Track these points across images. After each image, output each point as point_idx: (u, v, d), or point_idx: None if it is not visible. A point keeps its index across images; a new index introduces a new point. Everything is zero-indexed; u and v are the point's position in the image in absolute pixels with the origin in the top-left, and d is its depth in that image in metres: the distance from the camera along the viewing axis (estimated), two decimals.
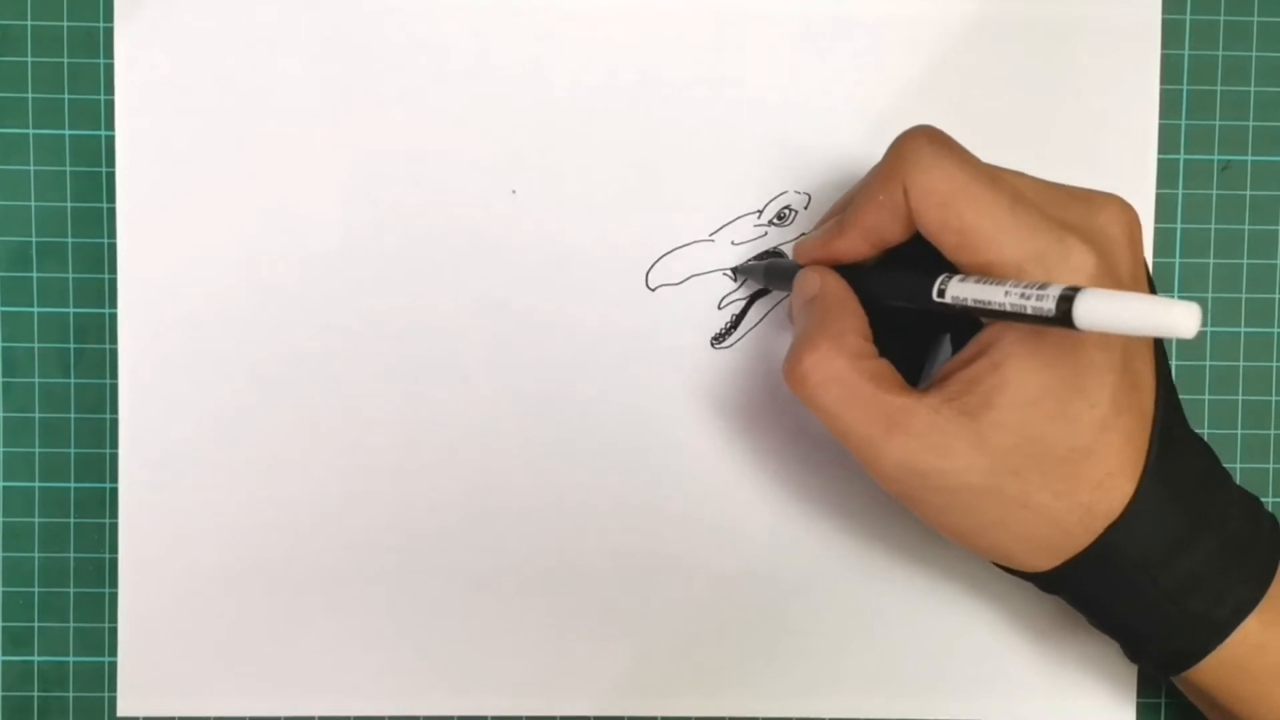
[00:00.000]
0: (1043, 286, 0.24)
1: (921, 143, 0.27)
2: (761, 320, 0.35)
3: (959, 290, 0.26)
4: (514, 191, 0.35)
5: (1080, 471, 0.27)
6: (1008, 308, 0.25)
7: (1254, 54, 0.36)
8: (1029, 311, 0.24)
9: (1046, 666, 0.36)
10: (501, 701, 0.36)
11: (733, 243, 0.35)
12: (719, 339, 0.35)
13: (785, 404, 0.35)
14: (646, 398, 0.35)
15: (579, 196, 0.35)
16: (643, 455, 0.35)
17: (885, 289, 0.29)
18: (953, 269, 0.27)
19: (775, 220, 0.35)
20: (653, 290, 0.35)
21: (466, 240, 0.35)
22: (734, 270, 0.35)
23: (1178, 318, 0.21)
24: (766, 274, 0.34)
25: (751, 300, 0.35)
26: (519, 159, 0.35)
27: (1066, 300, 0.23)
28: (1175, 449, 0.28)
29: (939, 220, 0.27)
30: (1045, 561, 0.28)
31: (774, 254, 0.35)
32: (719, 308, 0.35)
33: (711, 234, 0.35)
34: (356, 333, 0.35)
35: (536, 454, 0.35)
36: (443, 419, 0.35)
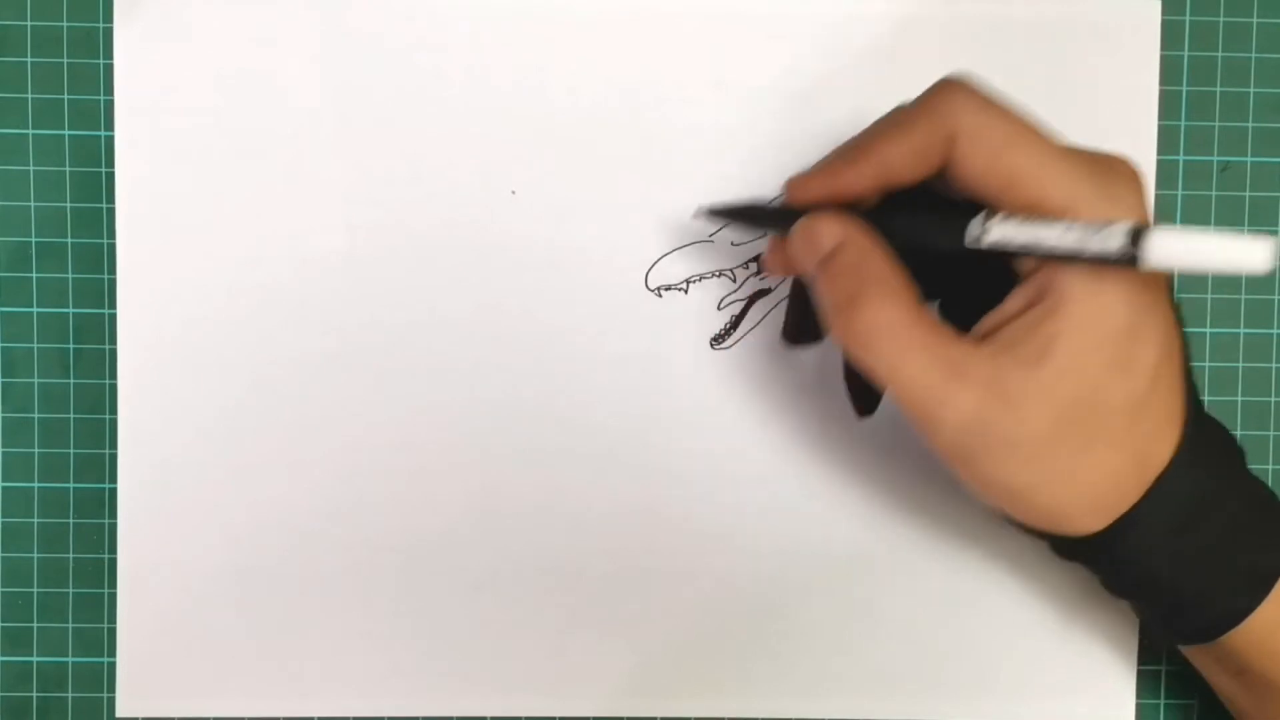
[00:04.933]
0: (1103, 225, 0.24)
1: (970, 90, 0.27)
2: (761, 321, 0.35)
3: (1005, 231, 0.25)
4: (513, 192, 0.35)
5: (1136, 420, 0.27)
6: (1063, 248, 0.24)
7: (1253, 55, 0.36)
8: (1090, 250, 0.23)
9: (1046, 666, 0.36)
10: (502, 702, 0.36)
11: (733, 243, 0.35)
12: (719, 340, 0.35)
13: (785, 404, 0.35)
14: (646, 398, 0.35)
15: (578, 197, 0.35)
16: (642, 456, 0.35)
17: (911, 233, 0.27)
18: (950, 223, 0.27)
19: None
20: (652, 291, 0.35)
21: (466, 241, 0.35)
22: (709, 211, 0.32)
23: (1253, 252, 0.21)
24: (748, 217, 0.32)
25: (751, 301, 0.35)
26: (518, 160, 0.35)
27: (1134, 237, 0.22)
28: (1197, 400, 0.28)
29: (988, 165, 0.26)
30: (1097, 521, 0.28)
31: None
32: (719, 308, 0.35)
33: (711, 234, 0.35)
34: (355, 333, 0.35)
35: (536, 455, 0.35)
36: (441, 418, 0.35)
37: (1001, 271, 0.28)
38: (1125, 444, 0.27)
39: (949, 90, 0.27)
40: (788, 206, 0.29)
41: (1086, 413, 0.26)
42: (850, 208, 0.28)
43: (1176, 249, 0.22)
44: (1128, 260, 0.23)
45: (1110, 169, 0.27)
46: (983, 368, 0.26)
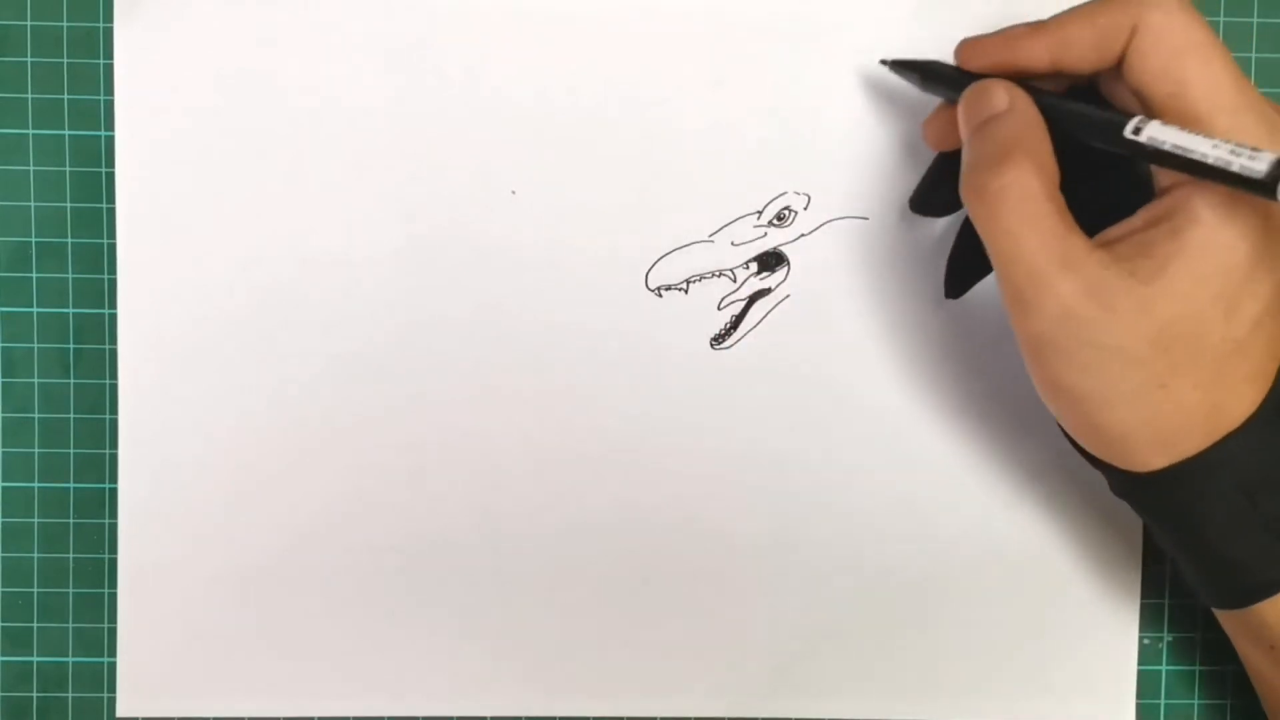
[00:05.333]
0: (1255, 149, 0.24)
1: None
2: (761, 321, 0.35)
3: (1160, 132, 0.25)
4: (513, 192, 0.35)
5: (1224, 367, 0.26)
6: (1210, 160, 0.24)
7: (1254, 55, 0.36)
8: (1235, 169, 0.24)
9: (1046, 666, 0.36)
10: (502, 701, 0.36)
11: (732, 243, 0.35)
12: (719, 340, 0.35)
13: (785, 404, 0.35)
14: (646, 399, 0.35)
15: (578, 197, 0.35)
16: (642, 456, 0.35)
17: (1068, 120, 0.28)
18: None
19: (775, 220, 0.35)
20: (652, 291, 0.35)
21: (466, 241, 0.35)
22: (888, 62, 0.33)
23: None
24: (924, 73, 0.32)
25: (751, 301, 0.35)
26: (518, 160, 0.35)
27: None
28: None
29: (1162, 66, 0.26)
30: (1157, 458, 0.27)
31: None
32: (719, 309, 0.35)
33: (711, 234, 0.35)
34: (356, 333, 0.35)
35: (535, 454, 0.35)
36: (440, 418, 0.35)
37: (1145, 184, 0.28)
38: (1206, 386, 0.26)
39: None
40: (960, 68, 0.30)
41: (1178, 343, 0.26)
42: (1031, 86, 0.28)
43: None
44: (1269, 188, 0.23)
45: None
46: (1094, 268, 0.26)
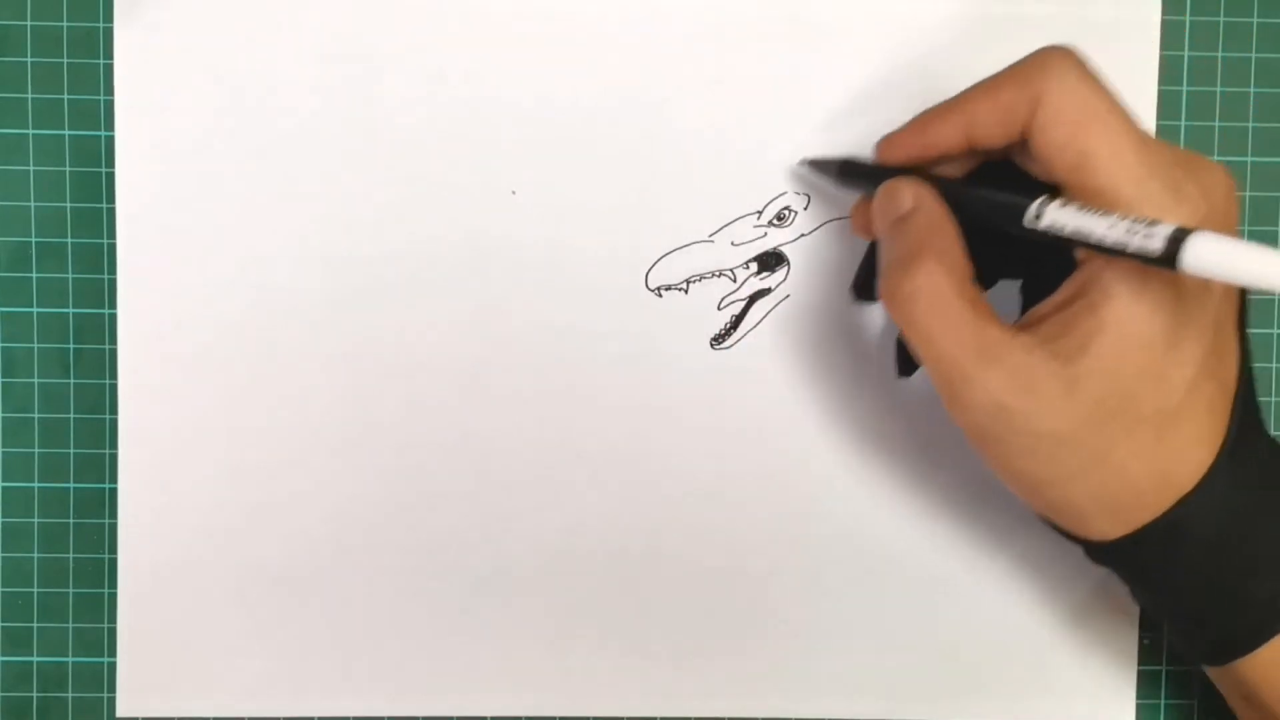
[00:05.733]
0: (1151, 224, 0.23)
1: (1069, 60, 0.27)
2: (761, 321, 0.35)
3: (1059, 216, 0.25)
4: (513, 192, 0.35)
5: (1163, 435, 0.26)
6: (1109, 242, 0.24)
7: (1254, 55, 0.36)
8: (1132, 248, 0.23)
9: (1046, 666, 0.36)
10: (501, 701, 0.36)
11: (732, 243, 0.35)
12: (719, 340, 0.35)
13: (785, 404, 0.35)
14: (646, 398, 0.35)
15: (579, 197, 0.35)
16: (642, 455, 0.35)
17: (977, 208, 0.28)
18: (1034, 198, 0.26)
19: (775, 221, 0.35)
20: (652, 291, 0.35)
21: (466, 240, 0.35)
22: (806, 162, 0.34)
23: None
24: (841, 171, 0.32)
25: (751, 301, 0.35)
26: (518, 160, 0.35)
27: (1177, 241, 0.22)
28: (1250, 428, 0.28)
29: (1063, 139, 0.26)
30: (1113, 529, 0.28)
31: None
32: (719, 308, 0.35)
33: (711, 234, 0.35)
34: (355, 333, 0.35)
35: (535, 454, 0.35)
36: (441, 418, 0.35)
37: (1071, 260, 0.28)
38: (1149, 456, 0.26)
39: (1046, 56, 0.27)
40: (879, 165, 0.30)
41: (1112, 417, 0.26)
42: (937, 177, 0.29)
43: (1214, 257, 0.22)
44: (1168, 262, 0.22)
45: (1192, 171, 0.26)
46: (1016, 356, 0.26)
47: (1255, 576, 0.27)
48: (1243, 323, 0.28)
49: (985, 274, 0.30)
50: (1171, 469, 0.27)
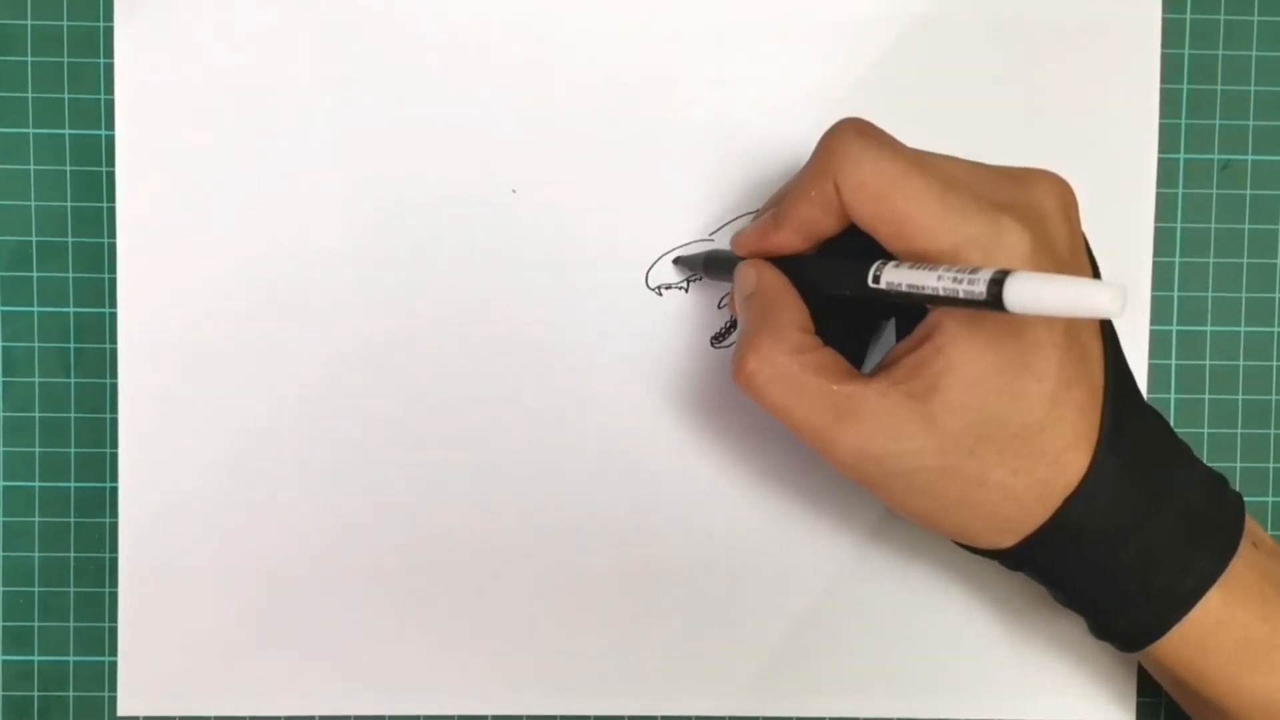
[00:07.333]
0: (974, 271, 0.24)
1: (850, 136, 0.27)
2: None
3: (894, 276, 0.26)
4: (514, 191, 0.35)
5: (1034, 447, 0.27)
6: (941, 293, 0.25)
7: (1254, 54, 0.36)
8: (961, 296, 0.24)
9: (1046, 666, 0.36)
10: (502, 702, 0.36)
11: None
12: (719, 338, 0.35)
13: None
14: (646, 397, 0.35)
15: (579, 196, 0.35)
16: (643, 454, 0.35)
17: (823, 278, 0.29)
18: (890, 255, 0.27)
19: None
20: (652, 290, 0.35)
21: (466, 240, 0.35)
22: (675, 261, 0.35)
23: (1103, 299, 0.21)
24: (706, 264, 0.34)
25: None
26: (519, 159, 0.35)
27: (996, 284, 0.23)
28: (1130, 421, 0.28)
29: (872, 212, 0.27)
30: (1006, 539, 0.28)
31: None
32: (719, 307, 0.35)
33: (711, 233, 0.35)
34: (355, 332, 0.35)
35: (536, 453, 0.35)
36: (441, 417, 0.35)
37: (918, 306, 0.28)
38: (1026, 470, 0.27)
39: (831, 139, 0.28)
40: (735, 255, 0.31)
41: (980, 443, 0.27)
42: (787, 255, 0.30)
43: (1032, 294, 0.22)
44: (995, 305, 0.23)
45: (1021, 187, 0.27)
46: (871, 404, 0.27)
47: (1156, 565, 0.28)
48: (1105, 324, 0.29)
49: (861, 322, 0.33)
50: (1050, 476, 0.27)
